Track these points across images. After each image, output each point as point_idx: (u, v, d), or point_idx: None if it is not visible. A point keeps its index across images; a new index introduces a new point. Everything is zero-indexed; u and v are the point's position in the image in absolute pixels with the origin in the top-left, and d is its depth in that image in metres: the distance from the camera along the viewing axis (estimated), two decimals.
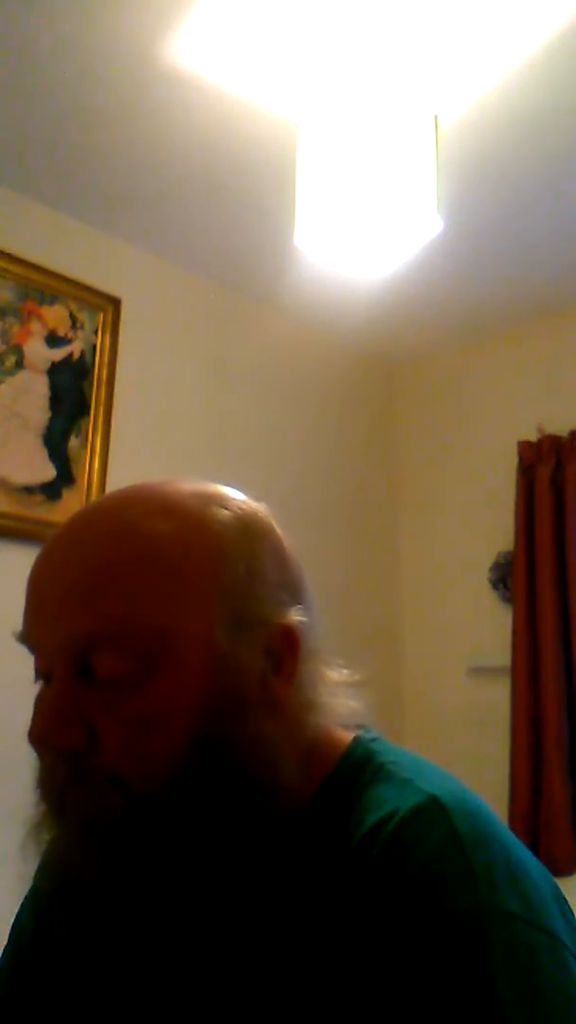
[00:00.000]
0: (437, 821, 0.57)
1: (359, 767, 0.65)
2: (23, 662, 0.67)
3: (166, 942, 0.63)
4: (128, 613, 0.58)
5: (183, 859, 0.58)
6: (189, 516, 0.62)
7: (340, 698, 0.67)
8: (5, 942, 0.76)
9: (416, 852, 0.55)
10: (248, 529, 0.64)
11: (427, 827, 0.56)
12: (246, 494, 0.69)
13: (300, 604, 0.65)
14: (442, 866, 0.54)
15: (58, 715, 0.58)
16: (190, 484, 0.66)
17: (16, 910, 0.77)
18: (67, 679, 0.59)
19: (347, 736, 0.68)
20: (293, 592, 0.65)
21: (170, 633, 0.59)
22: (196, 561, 0.60)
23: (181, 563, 0.60)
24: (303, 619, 0.63)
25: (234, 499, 0.66)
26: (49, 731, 0.58)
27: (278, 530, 0.67)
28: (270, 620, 0.62)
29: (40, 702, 0.61)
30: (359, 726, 0.70)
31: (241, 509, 0.65)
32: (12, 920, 0.77)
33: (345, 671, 0.68)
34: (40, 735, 0.59)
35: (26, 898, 0.76)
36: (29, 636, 0.62)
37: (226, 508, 0.64)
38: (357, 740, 0.68)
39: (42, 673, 0.62)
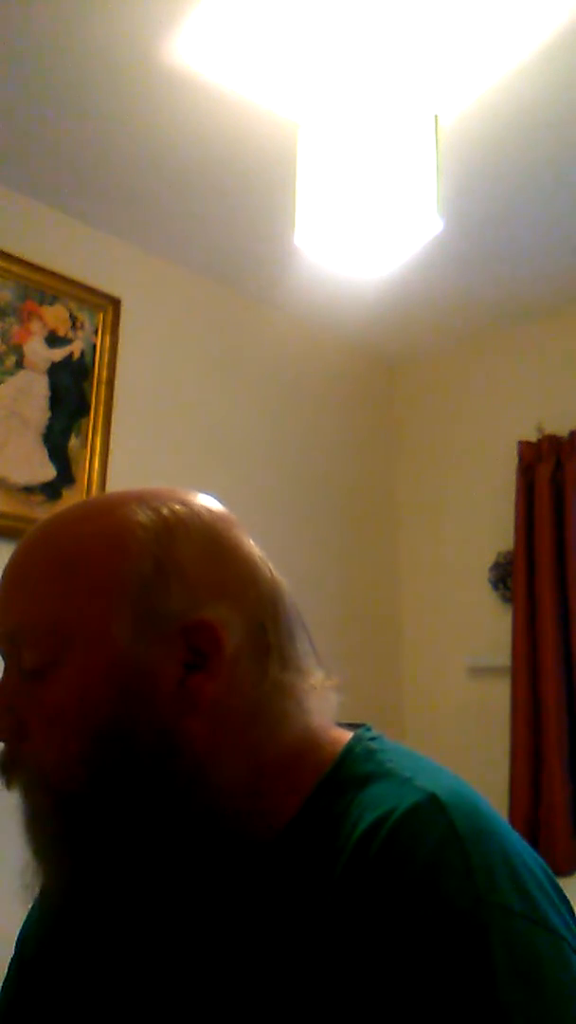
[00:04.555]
0: (436, 819, 0.56)
1: (357, 765, 0.64)
2: None
3: (165, 944, 0.63)
4: (34, 610, 0.62)
5: (121, 853, 0.60)
6: (102, 518, 0.65)
7: (312, 701, 0.65)
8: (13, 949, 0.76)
9: (415, 851, 0.55)
10: (168, 528, 0.64)
11: (426, 825, 0.56)
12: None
13: (244, 602, 0.64)
14: (441, 864, 0.54)
15: None
16: (145, 490, 0.68)
17: (22, 919, 0.77)
18: (7, 672, 0.64)
19: (346, 735, 0.68)
20: (234, 590, 0.64)
21: (68, 628, 0.61)
22: (95, 559, 0.63)
23: (80, 562, 0.63)
24: (227, 615, 0.62)
25: (169, 501, 0.66)
26: None
27: (228, 531, 0.67)
28: (186, 616, 0.61)
29: None
30: (359, 725, 0.70)
31: (170, 510, 0.65)
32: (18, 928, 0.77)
33: (320, 674, 0.67)
34: None
35: (30, 910, 0.76)
36: None
37: (150, 509, 0.65)
38: (356, 739, 0.67)
39: None
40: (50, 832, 0.61)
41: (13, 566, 0.65)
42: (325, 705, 0.67)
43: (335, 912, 0.56)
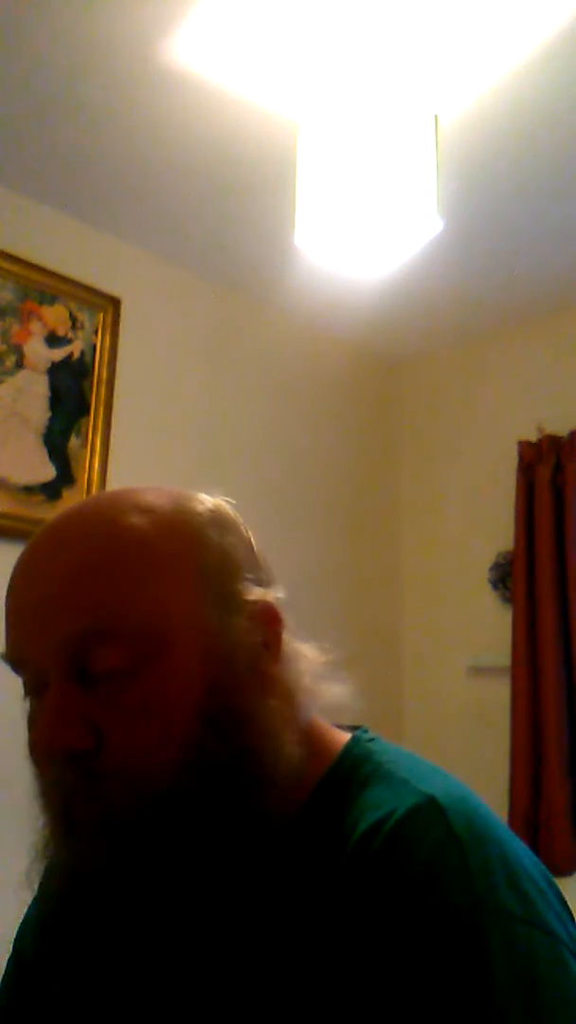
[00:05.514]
0: (434, 822, 0.56)
1: (356, 767, 0.65)
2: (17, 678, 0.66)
3: (168, 943, 0.63)
4: (117, 605, 0.60)
5: (199, 847, 0.58)
6: (163, 510, 0.64)
7: (326, 681, 0.68)
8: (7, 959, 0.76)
9: (413, 853, 0.55)
10: (218, 521, 0.66)
11: (424, 828, 0.56)
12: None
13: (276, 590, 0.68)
14: (439, 867, 0.54)
15: (63, 719, 0.58)
16: (157, 489, 0.68)
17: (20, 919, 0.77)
18: (65, 682, 0.59)
19: (344, 736, 0.68)
20: (267, 579, 0.68)
21: (161, 618, 0.60)
22: (176, 548, 0.63)
23: (161, 551, 0.62)
24: (280, 597, 0.66)
25: (203, 497, 0.69)
26: (56, 737, 0.58)
27: (244, 525, 0.70)
28: (252, 601, 0.64)
29: (41, 713, 0.60)
30: (357, 726, 0.70)
31: (212, 502, 0.68)
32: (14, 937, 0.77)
33: (323, 653, 0.70)
34: (47, 743, 0.58)
35: (28, 911, 0.76)
36: (17, 652, 0.62)
37: (199, 502, 0.67)
38: (355, 740, 0.68)
39: (34, 686, 0.62)
40: (129, 837, 0.57)
41: (62, 570, 0.61)
42: (333, 690, 0.68)
43: (336, 909, 0.57)
